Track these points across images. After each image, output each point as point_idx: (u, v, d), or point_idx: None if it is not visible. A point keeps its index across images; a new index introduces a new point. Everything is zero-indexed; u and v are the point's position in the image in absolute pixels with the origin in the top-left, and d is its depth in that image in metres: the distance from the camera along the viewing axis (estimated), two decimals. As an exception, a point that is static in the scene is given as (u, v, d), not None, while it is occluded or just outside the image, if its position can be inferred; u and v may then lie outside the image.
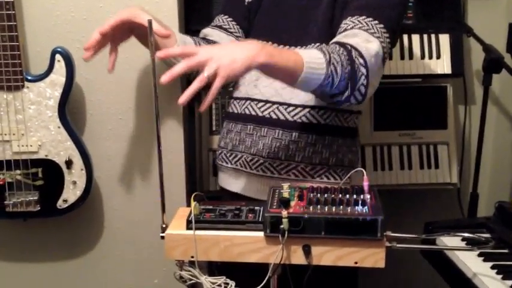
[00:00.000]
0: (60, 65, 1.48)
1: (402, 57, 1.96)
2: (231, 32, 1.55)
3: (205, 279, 1.19)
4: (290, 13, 1.45)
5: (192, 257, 1.18)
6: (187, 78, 1.47)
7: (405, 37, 1.97)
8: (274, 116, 1.43)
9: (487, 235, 1.57)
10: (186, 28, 1.78)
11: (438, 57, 1.96)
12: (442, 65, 1.96)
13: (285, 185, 1.21)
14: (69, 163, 1.51)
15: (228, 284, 1.17)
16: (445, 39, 1.97)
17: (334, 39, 1.30)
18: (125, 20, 1.34)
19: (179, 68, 1.07)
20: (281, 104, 1.42)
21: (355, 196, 1.18)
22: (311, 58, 1.16)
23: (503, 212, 1.61)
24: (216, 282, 1.18)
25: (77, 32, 1.59)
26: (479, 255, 1.42)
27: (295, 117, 1.41)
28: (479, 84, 2.08)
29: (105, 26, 1.32)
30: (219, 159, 1.57)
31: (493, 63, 1.78)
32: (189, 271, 1.21)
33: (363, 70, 1.22)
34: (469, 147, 2.14)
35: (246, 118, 1.48)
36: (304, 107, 1.41)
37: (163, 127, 1.64)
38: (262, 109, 1.45)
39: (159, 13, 1.54)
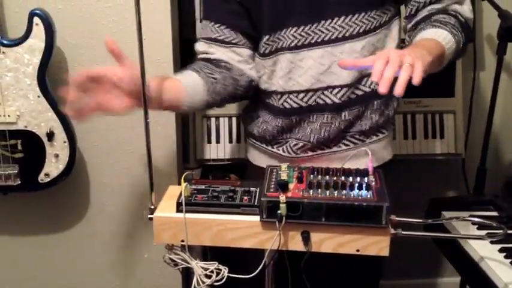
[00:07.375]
0: (38, 29, 1.36)
1: (409, 20, 1.84)
2: (234, 43, 1.36)
3: (196, 264, 1.13)
4: None
5: (183, 241, 1.12)
6: None
7: None
8: (321, 102, 1.35)
9: (494, 213, 1.52)
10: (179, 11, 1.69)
11: (448, 20, 1.85)
12: (452, 29, 1.85)
13: (283, 165, 1.14)
14: (50, 135, 1.43)
15: (220, 270, 1.11)
16: (456, 1, 1.84)
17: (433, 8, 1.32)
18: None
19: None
20: (325, 88, 1.34)
21: (358, 179, 1.12)
22: (446, 41, 1.24)
23: (513, 189, 1.55)
24: (208, 269, 1.11)
25: (58, -9, 1.47)
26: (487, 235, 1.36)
27: (342, 98, 1.34)
28: (489, 50, 1.99)
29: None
30: (256, 138, 1.47)
31: (510, 32, 1.65)
32: (179, 255, 1.15)
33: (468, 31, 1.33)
34: (475, 116, 2.05)
35: (287, 113, 1.38)
36: (349, 86, 1.33)
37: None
38: (305, 99, 1.36)
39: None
